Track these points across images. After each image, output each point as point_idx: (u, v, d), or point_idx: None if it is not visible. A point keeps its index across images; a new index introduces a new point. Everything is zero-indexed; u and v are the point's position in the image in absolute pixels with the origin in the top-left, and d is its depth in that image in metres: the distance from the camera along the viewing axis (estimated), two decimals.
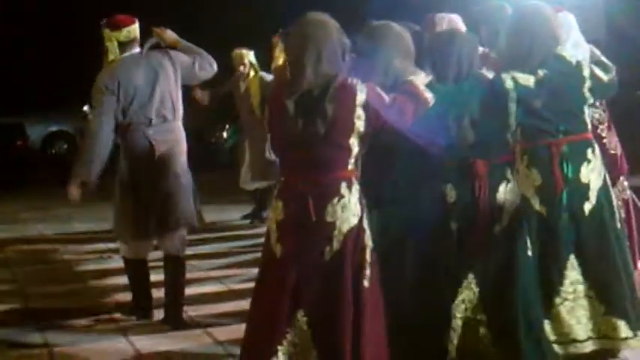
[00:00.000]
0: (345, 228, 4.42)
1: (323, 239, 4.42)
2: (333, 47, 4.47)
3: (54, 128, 23.98)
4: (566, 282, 5.30)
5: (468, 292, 5.06)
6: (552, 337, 5.20)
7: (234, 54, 11.13)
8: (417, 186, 4.90)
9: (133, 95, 6.62)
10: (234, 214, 12.46)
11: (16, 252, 10.17)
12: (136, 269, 6.95)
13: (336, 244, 4.41)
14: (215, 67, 6.98)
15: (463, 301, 5.05)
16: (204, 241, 10.34)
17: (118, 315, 7.00)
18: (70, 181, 6.59)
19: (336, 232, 4.41)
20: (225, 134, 20.41)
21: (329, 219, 4.41)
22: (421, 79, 4.78)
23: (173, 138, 6.77)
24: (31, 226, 12.46)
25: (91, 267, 9.08)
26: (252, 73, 11.03)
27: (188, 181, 6.85)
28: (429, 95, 4.65)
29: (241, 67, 11.06)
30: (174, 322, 6.69)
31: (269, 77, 10.62)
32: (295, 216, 4.46)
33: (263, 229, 5.22)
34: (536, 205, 5.31)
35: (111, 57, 6.71)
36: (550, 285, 5.28)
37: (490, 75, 5.13)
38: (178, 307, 6.78)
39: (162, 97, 6.70)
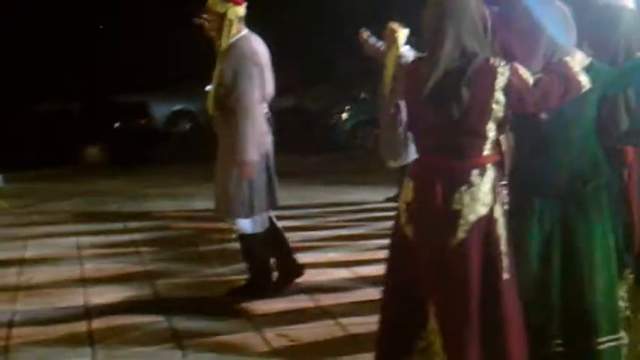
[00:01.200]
0: (472, 218, 4.18)
1: (448, 226, 4.18)
2: (473, 21, 4.18)
3: (178, 107, 24.22)
4: None
5: (625, 285, 4.77)
6: None
7: (386, 27, 10.96)
8: (576, 175, 4.59)
9: (265, 70, 6.82)
10: (355, 195, 12.35)
11: (141, 230, 10.19)
12: (264, 241, 7.03)
13: (461, 233, 4.17)
14: None
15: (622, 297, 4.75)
16: (332, 225, 10.24)
17: (242, 300, 6.90)
18: (242, 163, 6.69)
19: (462, 221, 4.17)
20: (344, 115, 20.35)
21: (456, 207, 4.17)
22: (579, 60, 4.45)
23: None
24: (154, 203, 12.56)
25: (215, 247, 9.01)
26: (393, 50, 10.77)
27: None
28: (582, 79, 4.34)
29: (388, 41, 10.88)
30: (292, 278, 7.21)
31: (410, 54, 10.40)
32: (423, 199, 4.25)
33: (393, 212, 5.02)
34: None
35: (233, 31, 6.79)
36: None
37: None
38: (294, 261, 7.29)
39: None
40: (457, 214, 4.17)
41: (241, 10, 6.82)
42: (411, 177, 4.35)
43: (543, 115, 4.44)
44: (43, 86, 22.44)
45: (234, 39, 6.79)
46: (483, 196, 4.19)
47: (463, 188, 4.17)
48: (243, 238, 7.03)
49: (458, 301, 4.18)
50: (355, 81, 21.07)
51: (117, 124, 18.54)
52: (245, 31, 6.86)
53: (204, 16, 6.82)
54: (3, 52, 22.73)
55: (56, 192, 13.94)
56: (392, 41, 10.94)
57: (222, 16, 6.75)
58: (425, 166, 4.29)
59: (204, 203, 11.77)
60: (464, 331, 4.17)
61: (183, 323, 6.38)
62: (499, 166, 4.31)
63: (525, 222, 4.49)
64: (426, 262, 4.25)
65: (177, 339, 6.06)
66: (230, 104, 6.71)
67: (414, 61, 4.52)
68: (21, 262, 8.50)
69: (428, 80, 4.14)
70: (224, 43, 6.77)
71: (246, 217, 6.88)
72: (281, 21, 25.00)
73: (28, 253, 8.95)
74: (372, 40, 11.24)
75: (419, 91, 4.18)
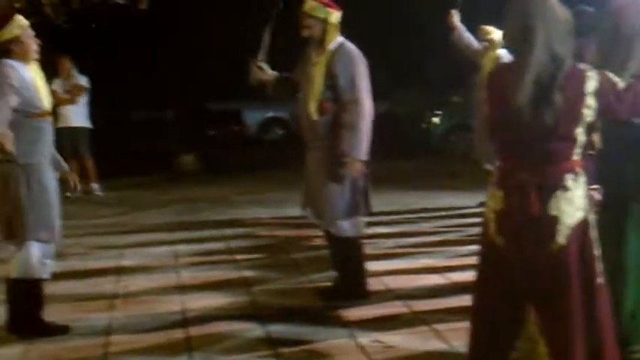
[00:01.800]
0: (570, 222, 4.12)
1: (546, 233, 4.13)
2: (560, 24, 4.13)
3: (270, 114, 24.41)
4: None
5: None
6: None
7: (479, 29, 10.98)
8: None
9: None
10: (448, 200, 12.29)
11: (235, 237, 10.28)
12: (360, 247, 7.13)
13: (560, 239, 4.12)
14: None
15: None
16: (425, 231, 10.19)
17: (338, 306, 6.90)
18: (356, 161, 6.83)
19: (560, 227, 4.12)
20: (436, 120, 20.26)
21: (553, 212, 4.12)
22: None
23: None
24: (247, 210, 12.65)
25: (308, 254, 9.04)
26: (491, 52, 10.78)
27: None
28: None
29: (484, 43, 10.90)
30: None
31: (507, 57, 10.37)
32: (517, 207, 4.18)
33: None
34: None
35: (335, 36, 6.94)
36: None
37: None
38: None
39: None
40: (555, 220, 4.12)
41: (339, 15, 6.95)
42: (500, 185, 4.28)
43: (636, 120, 4.38)
44: (138, 94, 22.81)
45: (338, 43, 6.94)
46: (578, 200, 4.14)
47: (559, 193, 4.12)
48: (341, 241, 7.07)
49: (561, 307, 4.14)
50: (447, 85, 20.99)
51: (211, 132, 18.72)
52: (341, 37, 7.00)
53: (307, 22, 6.91)
54: (100, 60, 23.12)
55: (152, 200, 14.16)
56: (490, 43, 10.88)
57: (324, 21, 6.87)
58: (515, 174, 4.22)
59: (296, 210, 11.80)
60: (570, 336, 4.13)
61: (278, 330, 6.41)
62: (589, 169, 4.25)
63: (622, 227, 4.43)
64: (523, 270, 4.20)
65: (273, 346, 6.09)
66: (337, 107, 6.84)
67: (499, 67, 4.46)
68: (118, 271, 8.64)
69: (519, 87, 4.08)
70: (328, 47, 6.89)
71: (349, 218, 6.98)
72: (371, 26, 25.01)
73: (125, 262, 9.09)
74: (463, 29, 11.20)
75: (507, 98, 4.12)
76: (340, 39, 6.96)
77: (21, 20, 6.35)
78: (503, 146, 4.30)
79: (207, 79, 25.62)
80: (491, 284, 4.34)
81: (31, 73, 6.35)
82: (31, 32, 6.38)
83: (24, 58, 6.33)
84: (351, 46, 6.94)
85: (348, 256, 7.08)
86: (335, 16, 6.91)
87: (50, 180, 6.40)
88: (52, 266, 6.53)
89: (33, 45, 6.38)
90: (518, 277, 4.21)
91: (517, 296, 4.24)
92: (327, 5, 6.92)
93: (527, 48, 4.09)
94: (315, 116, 6.90)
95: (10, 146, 6.12)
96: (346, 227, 7.02)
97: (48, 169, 6.42)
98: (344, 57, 6.85)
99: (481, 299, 4.43)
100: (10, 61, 6.27)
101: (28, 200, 6.24)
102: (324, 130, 6.89)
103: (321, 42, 6.92)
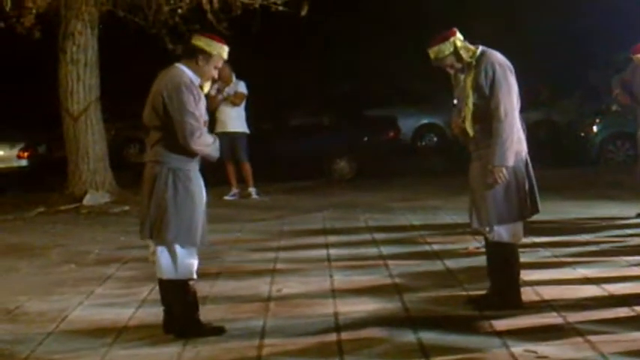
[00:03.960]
0: None
1: None
2: None
3: (425, 121, 24.40)
4: None
5: None
6: None
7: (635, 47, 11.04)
8: None
9: None
10: (606, 210, 12.06)
11: (388, 243, 10.30)
12: (517, 255, 7.07)
13: None
14: None
15: None
16: (582, 241, 10.03)
17: (491, 315, 6.81)
18: (500, 168, 6.78)
19: None
20: (595, 128, 19.83)
21: None
22: None
23: None
24: (401, 216, 12.65)
25: (461, 261, 8.97)
26: None
27: None
28: None
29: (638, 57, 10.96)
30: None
31: None
32: None
33: None
34: None
35: (470, 49, 6.93)
36: None
37: None
38: None
39: None
40: None
41: (459, 35, 6.96)
42: None
43: None
44: (296, 99, 23.10)
45: (479, 52, 6.94)
46: None
47: None
48: (498, 246, 7.03)
49: None
50: (605, 92, 20.57)
51: (366, 138, 18.76)
52: (481, 47, 7.00)
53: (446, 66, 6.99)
54: (258, 65, 23.51)
55: (307, 204, 14.32)
56: None
57: (454, 52, 6.91)
58: None
59: (450, 217, 11.81)
60: None
61: (430, 337, 6.37)
62: None
63: None
64: None
65: (425, 353, 6.06)
66: (488, 115, 6.83)
67: None
68: (272, 273, 8.78)
69: None
70: (468, 61, 6.92)
71: (508, 223, 6.95)
72: (528, 35, 24.75)
73: (280, 265, 9.23)
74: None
75: None
76: (480, 48, 6.96)
77: (226, 48, 6.50)
78: None
79: (364, 85, 25.80)
80: None
81: None
82: (222, 62, 6.53)
83: (200, 74, 6.47)
84: (491, 53, 6.93)
85: (504, 263, 7.02)
86: (457, 38, 6.92)
87: (197, 186, 6.53)
88: (197, 267, 6.62)
89: (213, 73, 6.53)
90: None
91: None
92: (444, 38, 6.94)
93: None
94: (471, 131, 6.90)
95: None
96: (504, 233, 6.97)
97: (196, 175, 6.55)
98: (484, 65, 6.85)
99: None
100: (187, 70, 6.44)
101: (172, 203, 6.39)
102: (482, 139, 6.88)
103: (463, 64, 6.96)
